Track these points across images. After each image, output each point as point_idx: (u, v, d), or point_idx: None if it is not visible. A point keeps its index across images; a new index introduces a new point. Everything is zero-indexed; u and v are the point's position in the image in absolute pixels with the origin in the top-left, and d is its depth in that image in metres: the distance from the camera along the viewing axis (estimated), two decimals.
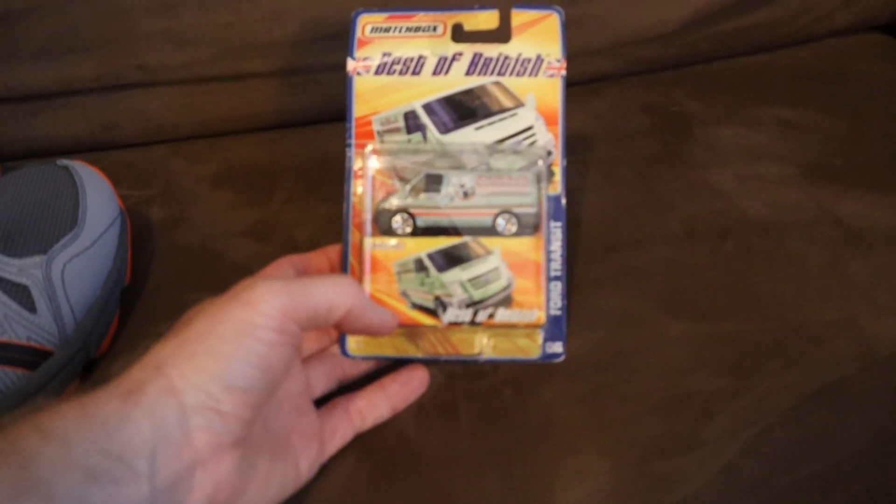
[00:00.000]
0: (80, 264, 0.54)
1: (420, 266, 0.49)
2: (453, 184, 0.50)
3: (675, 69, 0.75)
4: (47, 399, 0.37)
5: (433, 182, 0.50)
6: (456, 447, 0.48)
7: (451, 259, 0.49)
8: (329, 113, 0.71)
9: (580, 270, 0.57)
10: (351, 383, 0.51)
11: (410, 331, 0.50)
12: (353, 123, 0.52)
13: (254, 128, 0.71)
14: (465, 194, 0.50)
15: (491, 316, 0.48)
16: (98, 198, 0.57)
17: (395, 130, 0.51)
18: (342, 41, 0.63)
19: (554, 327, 0.49)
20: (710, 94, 0.72)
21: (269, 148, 0.69)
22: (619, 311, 0.54)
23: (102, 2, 0.65)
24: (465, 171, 0.50)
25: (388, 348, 0.50)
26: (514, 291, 0.48)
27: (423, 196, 0.50)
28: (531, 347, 0.50)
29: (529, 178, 0.50)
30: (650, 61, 0.74)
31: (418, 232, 0.49)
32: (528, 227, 0.50)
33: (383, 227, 0.50)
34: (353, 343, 0.50)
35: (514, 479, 0.45)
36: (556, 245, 0.51)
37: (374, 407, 0.48)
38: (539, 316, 0.48)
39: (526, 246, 0.49)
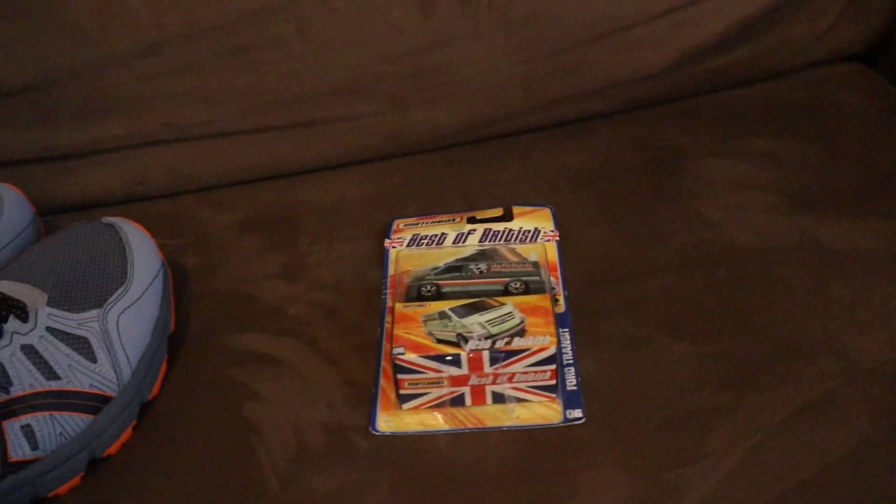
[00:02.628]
0: (131, 315, 0.59)
1: (443, 315, 0.56)
2: (472, 267, 0.61)
3: (662, 105, 0.80)
4: None
5: (455, 269, 0.62)
6: (486, 464, 0.53)
7: (470, 310, 0.56)
8: (343, 158, 0.76)
9: (587, 301, 0.62)
10: None
11: (437, 409, 0.55)
12: (388, 280, 0.64)
13: (275, 175, 0.76)
14: (481, 272, 0.60)
15: (508, 343, 0.53)
16: (142, 252, 0.62)
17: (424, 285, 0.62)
18: (353, 96, 0.70)
19: (573, 399, 0.55)
20: (696, 127, 0.77)
21: (290, 193, 0.75)
22: (624, 335, 0.60)
23: (132, 66, 0.70)
24: (483, 259, 0.62)
25: (416, 424, 0.55)
26: (527, 325, 0.55)
27: (447, 276, 0.61)
28: (551, 415, 0.54)
29: (533, 264, 0.62)
30: (639, 99, 0.79)
31: (441, 296, 0.59)
32: (536, 290, 0.59)
33: (411, 295, 0.60)
34: (383, 421, 0.55)
35: (540, 493, 0.51)
36: (566, 343, 0.59)
37: None
38: (552, 340, 0.53)
39: (535, 299, 0.57)
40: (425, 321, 0.55)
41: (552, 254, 0.65)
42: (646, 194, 0.71)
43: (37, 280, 0.58)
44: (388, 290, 0.63)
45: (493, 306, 0.57)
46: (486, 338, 0.54)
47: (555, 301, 0.60)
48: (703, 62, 0.79)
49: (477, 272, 0.61)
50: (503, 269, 0.61)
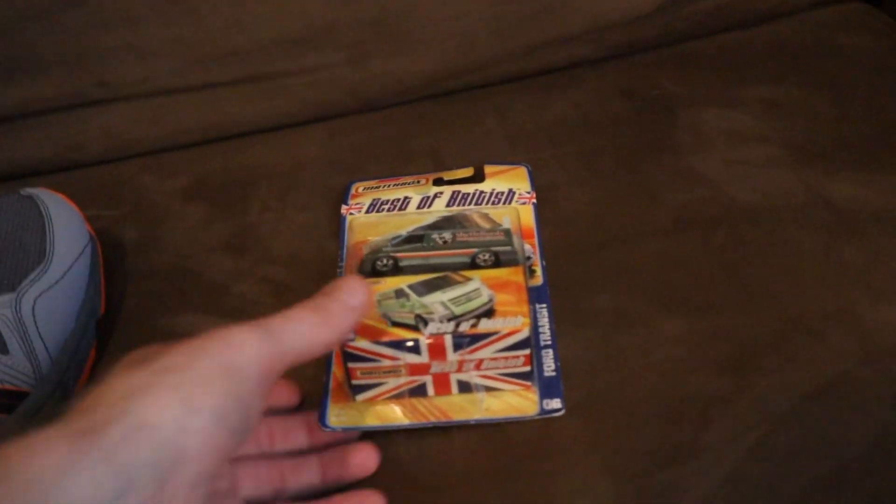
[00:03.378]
0: (51, 298, 0.52)
1: (400, 293, 0.49)
2: (434, 237, 0.53)
3: (653, 50, 0.73)
4: None
5: (416, 240, 0.53)
6: (450, 467, 0.46)
7: (431, 286, 0.49)
8: (298, 117, 0.68)
9: (569, 270, 0.55)
10: None
11: (396, 400, 0.48)
12: (345, 252, 0.56)
13: (223, 137, 0.69)
14: (445, 242, 0.53)
15: (474, 326, 0.46)
16: (66, 226, 0.55)
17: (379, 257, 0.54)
18: (307, 46, 0.62)
19: (550, 387, 0.48)
20: (690, 75, 0.70)
21: (240, 156, 0.67)
22: (611, 309, 0.53)
23: (59, 20, 0.63)
24: (444, 230, 0.54)
25: (373, 418, 0.48)
26: (497, 304, 0.48)
27: (406, 247, 0.53)
28: (526, 405, 0.48)
29: (504, 231, 0.54)
30: (627, 44, 0.72)
31: (399, 271, 0.51)
32: (507, 262, 0.51)
33: (365, 269, 0.51)
34: (334, 416, 0.48)
35: (512, 500, 0.44)
36: (544, 321, 0.52)
37: None
38: (524, 322, 0.46)
39: (505, 272, 0.50)
40: (379, 301, 0.48)
41: (527, 218, 0.58)
42: (635, 149, 0.64)
43: None
44: (345, 263, 0.55)
45: (458, 282, 0.50)
46: (449, 319, 0.47)
47: (531, 273, 0.54)
48: (698, 2, 0.71)
49: (440, 242, 0.53)
50: (470, 239, 0.54)
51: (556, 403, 0.47)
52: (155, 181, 0.67)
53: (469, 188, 0.59)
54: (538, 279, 0.54)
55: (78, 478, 0.30)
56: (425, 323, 0.47)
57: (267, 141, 0.68)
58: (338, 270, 0.56)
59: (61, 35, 0.64)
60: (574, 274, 0.55)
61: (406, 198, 0.59)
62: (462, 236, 0.54)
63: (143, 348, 0.36)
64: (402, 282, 0.50)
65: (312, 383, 0.50)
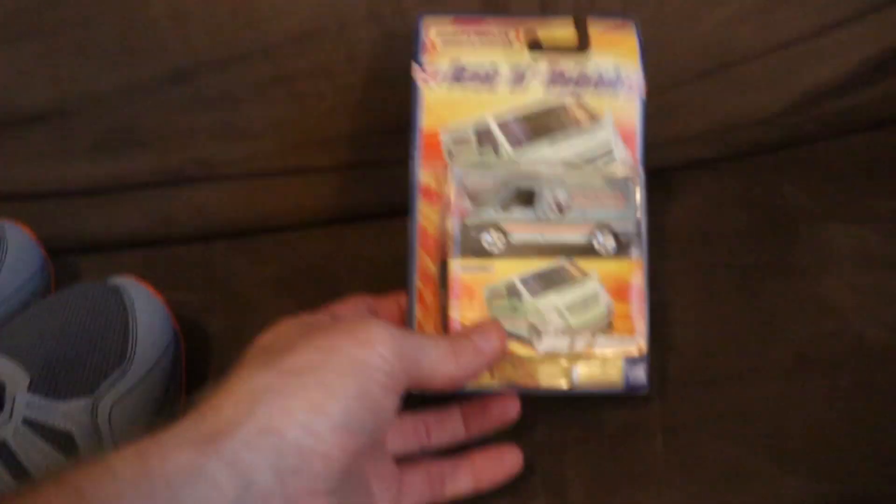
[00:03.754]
0: (129, 402, 0.50)
1: (512, 291, 0.46)
2: (546, 197, 0.46)
3: (776, 152, 0.68)
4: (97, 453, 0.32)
5: (527, 194, 0.47)
6: None
7: (546, 283, 0.46)
8: (396, 207, 0.65)
9: (676, 408, 0.51)
10: None
11: None
12: (418, 134, 0.48)
13: (319, 223, 0.66)
14: (560, 208, 0.47)
15: (589, 345, 0.45)
16: (151, 322, 0.53)
17: (465, 142, 0.48)
18: (406, 135, 0.59)
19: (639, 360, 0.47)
20: (816, 181, 0.65)
21: (334, 245, 0.65)
22: (721, 461, 0.48)
23: (160, 94, 0.61)
24: (559, 183, 0.47)
25: None
26: (614, 318, 0.46)
27: (515, 209, 0.46)
28: (613, 376, 0.47)
29: (626, 193, 0.48)
30: (749, 145, 0.67)
31: (512, 250, 0.46)
32: (626, 245, 0.47)
33: (471, 245, 0.46)
34: None
35: None
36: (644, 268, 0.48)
37: (457, 477, 0.44)
38: (640, 345, 0.46)
39: (625, 269, 0.47)
40: (489, 301, 0.45)
41: (632, 114, 0.50)
42: (753, 269, 0.59)
43: (23, 354, 0.49)
44: (419, 154, 0.49)
45: (574, 279, 0.46)
46: (564, 332, 0.46)
47: (634, 193, 0.48)
48: (828, 102, 0.66)
49: (555, 209, 0.46)
50: (587, 206, 0.47)
51: (640, 375, 0.47)
52: (245, 266, 0.64)
53: (569, 63, 0.49)
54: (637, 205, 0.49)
55: (203, 481, 0.30)
56: (539, 335, 0.45)
57: (362, 231, 0.65)
58: (410, 161, 0.49)
59: (164, 111, 0.62)
60: (680, 412, 0.51)
61: (495, 68, 0.48)
62: (578, 197, 0.47)
63: (273, 331, 0.39)
64: (513, 270, 0.46)
65: None
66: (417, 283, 0.47)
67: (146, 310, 0.53)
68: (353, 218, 0.66)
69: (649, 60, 0.60)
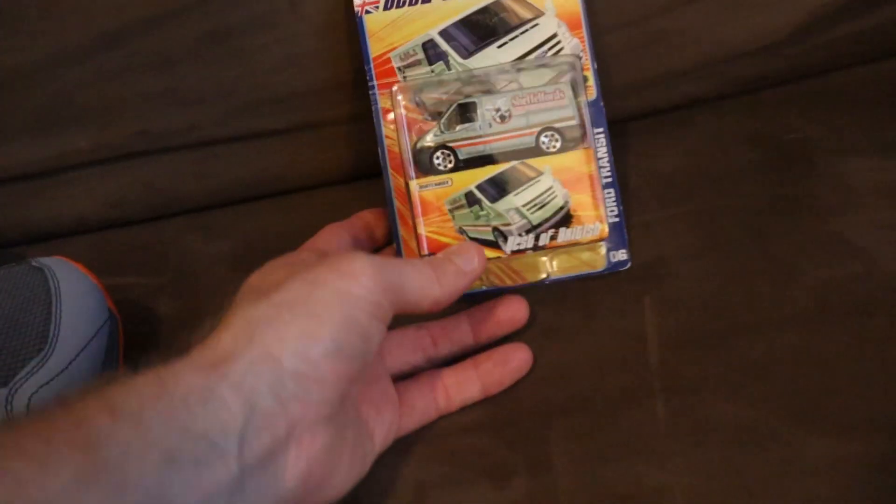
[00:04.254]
0: (50, 394, 0.44)
1: (472, 199, 0.48)
2: (488, 109, 0.49)
3: (782, 86, 0.60)
4: (119, 372, 0.34)
5: (467, 111, 0.49)
6: None
7: (502, 186, 0.48)
8: (361, 170, 0.59)
9: (680, 367, 0.44)
10: None
11: None
12: (372, 64, 0.50)
13: (276, 192, 0.60)
14: (502, 118, 0.49)
15: (553, 238, 0.48)
16: (78, 304, 0.47)
17: (416, 63, 0.50)
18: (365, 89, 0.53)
19: (615, 235, 0.49)
20: (831, 114, 0.58)
21: (294, 216, 0.58)
22: (735, 423, 0.42)
23: (91, 63, 0.55)
24: (497, 94, 0.49)
25: None
26: (573, 208, 0.48)
27: (459, 128, 0.49)
28: (595, 260, 0.49)
29: (565, 90, 0.49)
30: (751, 79, 0.60)
31: (461, 165, 0.48)
32: (573, 140, 0.49)
33: (424, 166, 0.49)
34: None
35: None
36: (602, 152, 0.50)
37: (463, 386, 0.45)
38: (602, 229, 0.48)
39: (576, 160, 0.48)
40: (451, 211, 0.48)
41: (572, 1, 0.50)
42: (765, 210, 0.52)
43: None
44: (375, 85, 0.50)
45: (529, 178, 0.48)
46: (528, 231, 0.48)
47: (583, 81, 0.50)
48: (842, 24, 0.59)
49: (497, 119, 0.48)
50: (529, 107, 0.48)
51: (622, 255, 0.49)
52: (199, 243, 0.58)
53: None
54: (591, 91, 0.50)
55: (214, 400, 0.32)
56: (504, 238, 0.47)
57: (324, 199, 0.59)
58: (370, 91, 0.50)
59: (97, 81, 0.56)
60: (689, 374, 0.44)
61: None
62: (519, 104, 0.49)
63: (261, 272, 0.40)
64: (470, 179, 0.48)
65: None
66: (396, 203, 0.49)
67: (74, 290, 0.47)
68: (311, 186, 0.60)
69: None
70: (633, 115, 0.59)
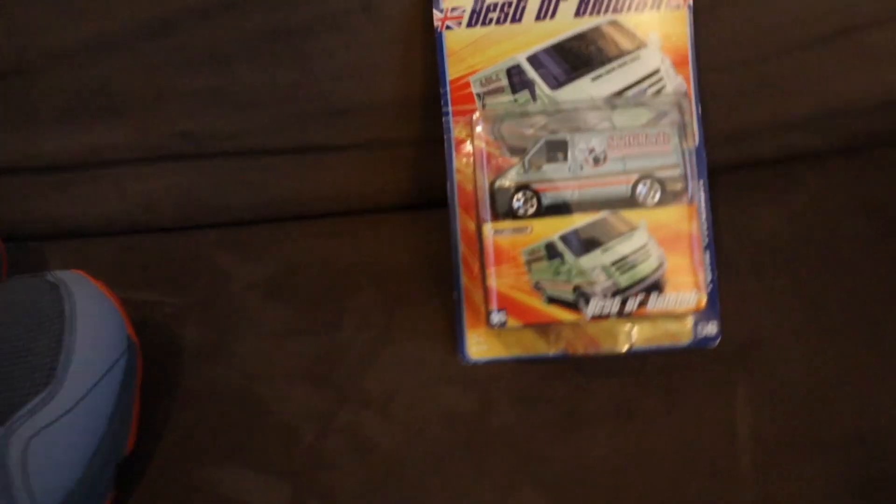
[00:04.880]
0: (53, 437, 0.38)
1: (553, 251, 0.43)
2: (580, 149, 0.43)
3: None
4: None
5: (556, 149, 0.43)
6: None
7: (589, 240, 0.43)
8: (424, 199, 0.53)
9: (777, 479, 0.38)
10: None
11: (541, 326, 0.43)
12: (448, 87, 0.45)
13: (325, 213, 0.54)
14: (596, 160, 0.43)
15: (642, 304, 0.42)
16: (94, 332, 0.41)
17: (499, 91, 0.45)
18: (440, 107, 0.47)
19: (707, 304, 0.43)
20: None
21: (344, 242, 0.53)
22: None
23: (136, 51, 0.50)
24: (591, 133, 0.43)
25: (516, 348, 0.44)
26: (668, 272, 0.42)
27: (545, 167, 0.43)
28: (681, 332, 0.44)
29: (671, 133, 0.43)
30: (866, 135, 0.53)
31: (544, 211, 0.43)
32: (675, 192, 0.43)
33: (502, 208, 0.43)
34: (475, 345, 0.44)
35: None
36: (702, 207, 0.44)
37: None
38: (700, 299, 0.42)
39: (677, 216, 0.43)
40: (529, 263, 0.43)
41: (681, 31, 0.44)
42: (878, 293, 0.45)
43: None
44: (450, 111, 0.45)
45: (621, 233, 0.43)
46: (614, 294, 0.42)
47: (687, 128, 0.44)
48: None
49: (591, 160, 0.43)
50: (627, 151, 0.42)
51: (711, 329, 0.44)
52: (236, 263, 0.53)
53: None
54: (693, 139, 0.44)
55: None
56: (586, 299, 0.42)
57: (380, 226, 0.53)
58: (444, 116, 0.45)
59: (141, 72, 0.51)
60: (786, 489, 0.37)
61: (521, 0, 0.44)
62: (616, 145, 0.43)
63: None
64: (552, 228, 0.42)
65: (436, 298, 0.46)
66: (462, 247, 0.45)
67: (91, 314, 0.42)
68: (367, 209, 0.54)
69: (749, 21, 0.47)
70: (730, 164, 0.52)
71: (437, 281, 0.48)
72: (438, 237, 0.47)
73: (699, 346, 0.44)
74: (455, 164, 0.45)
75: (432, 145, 0.47)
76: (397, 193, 0.53)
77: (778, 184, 0.52)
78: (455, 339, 0.45)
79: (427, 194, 0.52)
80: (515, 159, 0.43)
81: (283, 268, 0.52)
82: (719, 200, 0.50)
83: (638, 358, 0.44)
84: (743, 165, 0.53)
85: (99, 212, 0.56)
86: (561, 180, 0.43)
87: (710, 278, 0.44)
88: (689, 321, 0.44)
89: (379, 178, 0.53)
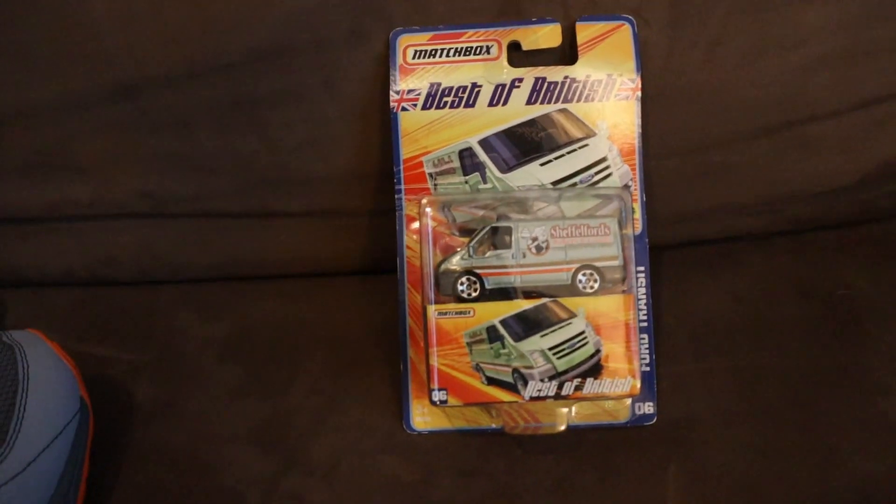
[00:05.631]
0: (2, 499, 0.39)
1: (494, 335, 0.44)
2: (524, 237, 0.44)
3: (842, 229, 0.56)
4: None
5: (500, 235, 0.44)
6: None
7: (529, 325, 0.44)
8: (377, 265, 0.54)
9: None
10: None
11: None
12: (402, 166, 0.46)
13: (282, 275, 0.56)
14: (539, 248, 0.44)
15: (578, 388, 0.43)
16: (47, 395, 0.42)
17: (450, 172, 0.46)
18: (392, 181, 0.48)
19: (643, 386, 0.44)
20: (889, 270, 0.53)
21: (299, 305, 0.54)
22: None
23: (100, 112, 0.51)
24: (536, 222, 0.44)
25: (460, 420, 0.46)
26: (604, 358, 0.43)
27: (489, 253, 0.44)
28: (619, 410, 0.46)
29: (611, 224, 0.45)
30: (808, 220, 0.55)
31: (487, 295, 0.44)
32: (613, 281, 0.44)
33: (446, 290, 0.44)
34: (419, 416, 0.46)
35: None
36: (641, 293, 0.46)
37: None
38: (634, 385, 0.43)
39: (614, 305, 0.44)
40: (470, 346, 0.43)
41: (629, 122, 0.46)
42: (811, 378, 0.48)
43: None
44: (403, 189, 0.46)
45: (560, 320, 0.44)
46: (551, 377, 0.43)
47: (628, 219, 0.45)
48: None
49: (532, 249, 0.44)
50: (568, 240, 0.44)
51: (648, 408, 0.45)
52: (192, 321, 0.54)
53: (556, 73, 0.46)
54: (637, 224, 0.46)
55: None
56: (525, 381, 0.43)
57: (336, 290, 0.54)
58: (396, 195, 0.46)
59: (105, 132, 0.52)
60: None
61: (475, 87, 0.46)
62: (559, 235, 0.44)
63: None
64: (494, 312, 0.43)
65: (384, 365, 0.48)
66: (409, 321, 0.46)
67: (45, 377, 0.43)
68: (323, 273, 0.55)
69: (697, 112, 0.49)
70: (675, 244, 0.54)
71: (387, 348, 0.49)
72: (391, 304, 0.49)
73: (636, 424, 0.45)
74: (406, 240, 0.46)
75: (386, 217, 0.48)
76: (351, 260, 0.55)
77: (722, 264, 0.54)
78: (401, 408, 0.47)
79: (380, 263, 0.53)
80: (465, 240, 0.45)
81: (237, 328, 0.53)
82: (663, 280, 0.52)
83: (576, 434, 0.45)
84: (688, 244, 0.55)
85: (59, 263, 0.57)
86: (504, 266, 0.44)
87: (647, 360, 0.46)
88: (628, 400, 0.45)
89: (334, 245, 0.54)
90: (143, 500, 0.44)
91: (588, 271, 0.44)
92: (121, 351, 0.52)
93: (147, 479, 0.45)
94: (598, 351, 0.43)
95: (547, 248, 0.44)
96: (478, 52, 0.46)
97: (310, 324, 0.52)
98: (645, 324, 0.46)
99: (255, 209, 0.53)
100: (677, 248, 0.54)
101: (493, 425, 0.45)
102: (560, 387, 0.43)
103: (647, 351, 0.46)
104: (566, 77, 0.46)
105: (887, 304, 0.51)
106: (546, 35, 0.46)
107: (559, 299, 0.44)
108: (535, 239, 0.44)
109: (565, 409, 0.44)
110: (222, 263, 0.55)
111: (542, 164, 0.46)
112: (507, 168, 0.46)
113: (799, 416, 0.46)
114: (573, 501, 0.43)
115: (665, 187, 0.51)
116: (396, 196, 0.46)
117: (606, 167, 0.46)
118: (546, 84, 0.46)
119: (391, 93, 0.46)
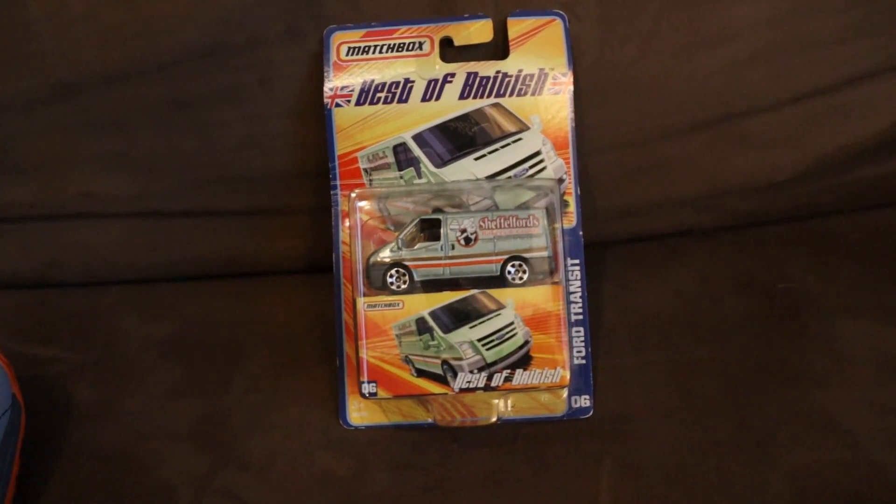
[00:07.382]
0: None
1: (423, 327, 0.44)
2: (452, 229, 0.45)
3: (783, 224, 0.56)
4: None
5: (430, 227, 0.45)
6: None
7: (457, 316, 0.44)
8: (318, 262, 0.54)
9: None
10: None
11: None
12: (337, 162, 0.47)
13: (224, 274, 0.56)
14: (467, 240, 0.45)
15: (508, 380, 0.43)
16: None
17: (385, 167, 0.47)
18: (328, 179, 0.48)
19: (579, 379, 0.45)
20: (830, 264, 0.54)
21: (240, 303, 0.54)
22: None
23: (39, 114, 0.51)
24: (465, 213, 0.45)
25: (396, 415, 0.45)
26: (533, 349, 0.44)
27: (418, 246, 0.45)
28: (555, 403, 0.45)
29: (539, 216, 0.45)
30: (752, 214, 0.56)
31: (416, 287, 0.44)
32: (542, 273, 0.45)
33: (376, 283, 0.45)
34: (355, 412, 0.45)
35: None
36: (576, 286, 0.46)
37: None
38: (563, 376, 0.44)
39: (543, 296, 0.44)
40: (399, 337, 0.44)
41: (563, 116, 0.46)
42: (748, 371, 0.48)
43: None
44: (338, 184, 0.47)
45: (489, 311, 0.44)
46: (480, 368, 0.43)
47: (564, 205, 0.46)
48: (852, 171, 0.55)
49: (461, 241, 0.44)
50: (498, 232, 0.44)
51: (584, 401, 0.45)
52: (134, 321, 0.54)
53: (488, 68, 0.46)
54: (571, 217, 0.46)
55: None
56: (454, 373, 0.43)
57: (276, 289, 0.54)
58: (331, 191, 0.47)
59: (45, 133, 0.52)
60: None
61: (408, 82, 0.46)
62: (488, 227, 0.44)
63: None
64: (423, 304, 0.44)
65: (324, 362, 0.48)
66: (345, 316, 0.46)
67: None
68: (266, 272, 0.55)
69: (633, 106, 0.50)
70: (616, 239, 0.54)
71: (326, 345, 0.49)
72: (330, 301, 0.49)
73: (572, 418, 0.45)
74: (341, 235, 0.46)
75: (326, 214, 0.49)
76: (294, 258, 0.55)
77: (665, 260, 0.54)
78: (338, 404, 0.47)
79: (323, 260, 0.53)
80: (395, 232, 0.45)
81: (180, 328, 0.53)
82: (606, 276, 0.52)
83: (512, 427, 0.45)
84: (631, 240, 0.55)
85: (3, 266, 0.57)
86: (433, 258, 0.44)
87: (583, 353, 0.46)
88: (564, 393, 0.45)
89: (276, 243, 0.54)
90: (74, 496, 0.44)
91: (517, 262, 0.44)
92: (63, 351, 0.52)
93: (80, 476, 0.45)
94: (527, 342, 0.44)
95: (476, 239, 0.44)
96: (410, 48, 0.46)
97: (252, 322, 0.52)
98: (580, 317, 0.46)
99: (197, 208, 0.53)
100: (621, 245, 0.54)
101: (429, 419, 0.45)
102: (489, 378, 0.43)
103: (583, 344, 0.46)
104: (498, 72, 0.46)
105: (827, 297, 0.51)
106: (478, 30, 0.46)
107: (488, 290, 0.44)
108: (463, 231, 0.44)
109: (496, 400, 0.44)
110: (165, 263, 0.56)
111: (476, 159, 0.46)
112: (441, 163, 0.46)
113: (736, 409, 0.46)
114: (506, 494, 0.43)
115: (604, 182, 0.51)
116: (332, 192, 0.46)
117: (540, 161, 0.46)
118: (478, 79, 0.46)
119: (325, 89, 0.46)
